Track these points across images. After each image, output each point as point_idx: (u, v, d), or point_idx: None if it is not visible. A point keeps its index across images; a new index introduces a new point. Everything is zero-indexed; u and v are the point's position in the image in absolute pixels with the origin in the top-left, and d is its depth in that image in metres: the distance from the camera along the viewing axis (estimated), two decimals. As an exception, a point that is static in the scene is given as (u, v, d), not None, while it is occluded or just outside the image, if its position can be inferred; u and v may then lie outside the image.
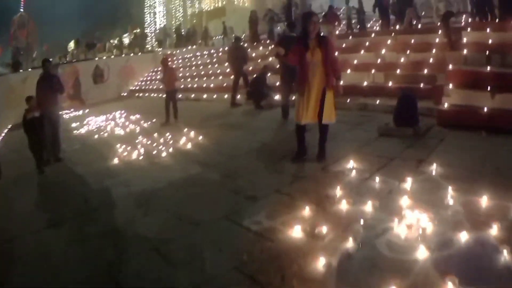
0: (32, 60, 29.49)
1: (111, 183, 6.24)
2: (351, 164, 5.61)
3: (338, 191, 4.69)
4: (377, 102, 9.88)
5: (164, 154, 7.55)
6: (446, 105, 7.90)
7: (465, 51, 10.12)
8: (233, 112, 12.30)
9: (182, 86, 19.76)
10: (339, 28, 18.78)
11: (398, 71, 11.42)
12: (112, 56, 28.04)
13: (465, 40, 10.99)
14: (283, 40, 9.47)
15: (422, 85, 10.03)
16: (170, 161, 7.13)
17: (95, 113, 16.80)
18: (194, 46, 30.11)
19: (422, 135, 6.92)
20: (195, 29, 32.68)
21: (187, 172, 6.25)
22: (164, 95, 11.93)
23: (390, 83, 10.85)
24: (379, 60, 12.67)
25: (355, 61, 13.16)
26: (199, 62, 23.68)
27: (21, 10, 36.76)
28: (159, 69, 18.88)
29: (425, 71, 10.72)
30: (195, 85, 19.39)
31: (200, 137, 8.50)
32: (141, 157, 7.58)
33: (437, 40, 12.55)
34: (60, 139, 8.74)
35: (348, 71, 12.36)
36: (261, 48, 19.58)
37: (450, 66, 9.23)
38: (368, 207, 4.21)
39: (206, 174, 6.09)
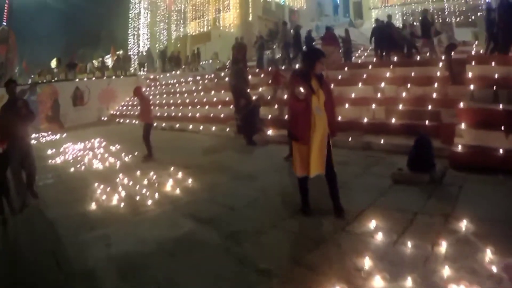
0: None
1: (88, 238, 5.17)
2: (374, 223, 4.79)
3: (368, 261, 3.85)
4: (382, 141, 9.16)
5: (149, 201, 6.44)
6: (459, 147, 7.37)
7: (471, 87, 9.63)
8: (223, 147, 11.36)
9: (166, 114, 18.93)
10: (340, 50, 18.29)
11: (400, 106, 10.78)
12: (93, 78, 26.93)
13: (470, 74, 10.51)
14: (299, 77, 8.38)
15: (427, 122, 9.47)
16: (156, 212, 6.00)
17: (73, 139, 15.74)
18: (178, 72, 29.23)
19: (438, 181, 6.33)
20: (179, 54, 31.81)
21: (179, 230, 5.17)
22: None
23: (393, 120, 10.18)
24: (378, 94, 12.02)
25: (353, 95, 12.50)
26: (184, 89, 22.89)
27: (4, 23, 35.42)
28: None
29: (429, 106, 10.16)
30: (180, 114, 18.55)
31: (190, 180, 7.45)
32: (122, 204, 6.44)
33: (438, 73, 12.11)
34: (35, 175, 7.47)
35: (346, 105, 11.73)
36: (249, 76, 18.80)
37: (461, 104, 8.63)
38: (409, 283, 3.45)
39: (203, 233, 5.03)
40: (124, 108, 25.26)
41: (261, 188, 6.71)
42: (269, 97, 13.92)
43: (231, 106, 15.33)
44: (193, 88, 22.00)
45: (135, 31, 47.06)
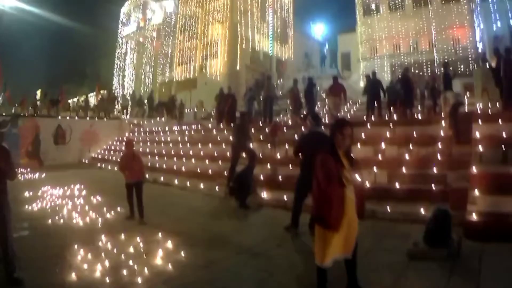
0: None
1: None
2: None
3: None
4: (388, 209, 8.69)
5: (138, 278, 5.64)
6: (474, 215, 7.04)
7: (480, 148, 9.44)
8: (214, 210, 10.79)
9: (150, 164, 18.21)
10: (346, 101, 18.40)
11: (403, 169, 10.42)
12: (76, 118, 26.35)
13: (477, 134, 10.31)
14: (306, 140, 7.80)
15: (433, 186, 9.20)
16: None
17: (52, 182, 15.06)
18: (163, 119, 28.82)
19: (456, 254, 6.06)
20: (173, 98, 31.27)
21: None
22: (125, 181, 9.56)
23: (396, 184, 9.83)
24: (379, 156, 11.63)
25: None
26: (169, 139, 22.32)
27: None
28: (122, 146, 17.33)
29: (434, 169, 9.87)
30: (164, 165, 17.96)
31: (182, 253, 6.67)
32: (107, 278, 5.71)
33: (441, 132, 11.79)
34: (12, 246, 5.58)
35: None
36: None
37: (474, 169, 8.39)
38: None
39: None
40: (106, 152, 24.63)
41: (267, 267, 6.02)
42: (260, 154, 13.54)
43: (219, 162, 14.98)
44: (179, 138, 21.54)
45: (121, 71, 46.90)
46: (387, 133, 12.89)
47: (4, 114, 23.59)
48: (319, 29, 56.84)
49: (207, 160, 16.34)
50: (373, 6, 40.43)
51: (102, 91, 36.12)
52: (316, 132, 7.72)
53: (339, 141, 4.51)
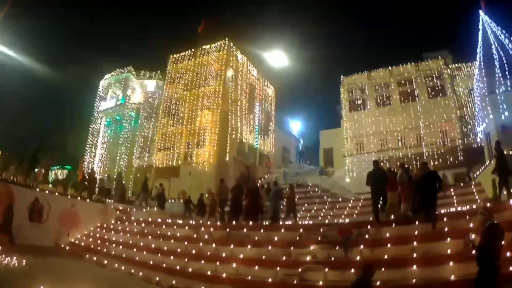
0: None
1: None
2: None
3: None
4: None
5: None
6: None
7: None
8: None
9: (164, 265, 14.70)
10: None
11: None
12: (57, 194, 22.07)
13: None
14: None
15: None
16: None
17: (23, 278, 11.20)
18: (155, 208, 25.12)
19: None
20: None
21: None
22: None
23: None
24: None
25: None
26: (178, 234, 18.65)
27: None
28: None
29: None
30: (190, 269, 14.05)
31: None
32: None
33: None
34: None
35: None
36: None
37: None
38: None
39: None
40: (91, 240, 20.44)
41: None
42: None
43: (277, 268, 11.98)
44: (195, 235, 17.83)
45: (93, 149, 42.79)
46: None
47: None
48: (295, 125, 57.74)
49: (256, 266, 12.91)
50: (360, 102, 40.95)
51: (85, 170, 32.20)
52: None
53: None
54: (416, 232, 12.31)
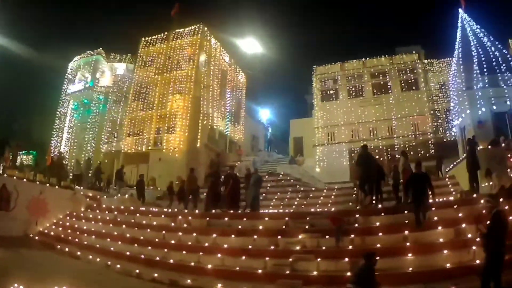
0: None
1: None
2: None
3: None
4: None
5: None
6: None
7: None
8: None
9: (143, 256, 14.30)
10: None
11: None
12: (25, 180, 21.11)
13: None
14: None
15: None
16: None
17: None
18: (126, 196, 24.34)
19: None
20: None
21: None
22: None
23: None
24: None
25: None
26: (154, 223, 18.17)
27: None
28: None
29: None
30: (172, 260, 13.84)
31: None
32: None
33: None
34: None
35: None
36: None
37: None
38: None
39: None
40: (60, 229, 19.70)
41: None
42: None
43: (266, 258, 11.82)
44: (172, 224, 17.43)
45: (59, 134, 41.23)
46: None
47: None
48: (265, 113, 57.26)
49: (243, 256, 12.68)
50: (332, 92, 40.73)
51: (53, 154, 31.00)
52: None
53: None
54: (406, 221, 12.55)
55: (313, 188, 26.79)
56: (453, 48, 28.51)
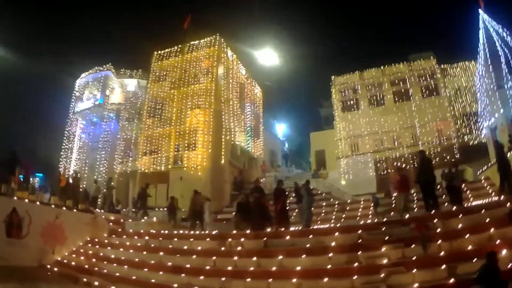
0: None
1: None
2: None
3: None
4: None
5: None
6: None
7: None
8: None
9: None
10: None
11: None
12: (38, 203, 18.27)
13: None
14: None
15: None
16: None
17: None
18: (155, 219, 21.58)
19: None
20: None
21: None
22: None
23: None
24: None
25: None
26: (194, 248, 15.39)
27: None
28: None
29: None
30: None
31: None
32: None
33: None
34: None
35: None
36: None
37: None
38: None
39: None
40: (82, 258, 16.77)
41: None
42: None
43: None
44: (222, 248, 14.69)
45: (68, 154, 38.58)
46: None
47: None
48: (280, 128, 57.21)
49: (326, 278, 10.15)
50: (353, 102, 40.08)
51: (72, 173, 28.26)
52: None
53: None
54: (487, 220, 11.46)
55: (349, 201, 25.91)
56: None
